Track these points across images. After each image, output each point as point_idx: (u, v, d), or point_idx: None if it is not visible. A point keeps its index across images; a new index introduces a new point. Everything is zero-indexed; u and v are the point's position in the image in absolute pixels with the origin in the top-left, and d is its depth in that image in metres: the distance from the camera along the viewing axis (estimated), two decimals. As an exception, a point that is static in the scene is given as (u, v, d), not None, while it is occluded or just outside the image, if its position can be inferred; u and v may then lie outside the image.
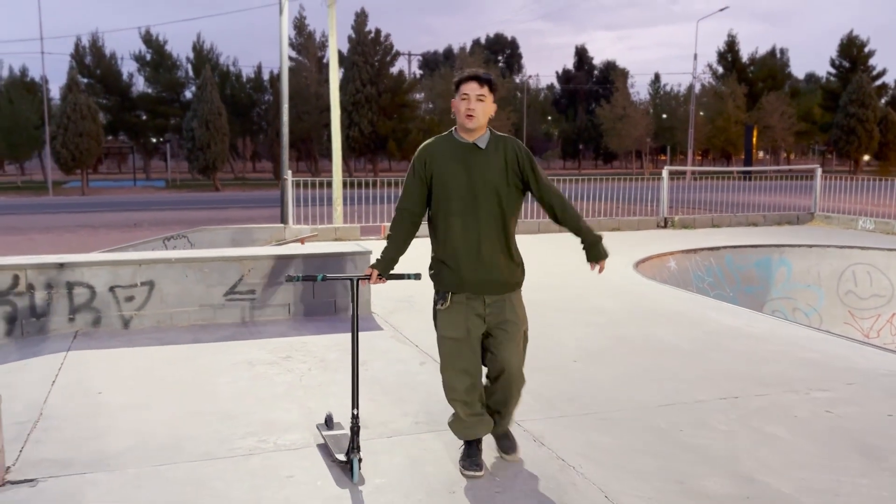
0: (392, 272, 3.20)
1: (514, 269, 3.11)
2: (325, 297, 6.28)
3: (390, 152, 48.30)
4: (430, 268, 3.18)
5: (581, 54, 78.07)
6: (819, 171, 14.21)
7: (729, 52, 64.60)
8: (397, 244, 3.18)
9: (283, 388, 4.42)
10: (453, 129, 3.12)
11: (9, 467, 3.26)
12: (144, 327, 5.83)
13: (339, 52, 47.87)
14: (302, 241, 10.92)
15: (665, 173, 13.30)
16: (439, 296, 3.12)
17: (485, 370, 3.20)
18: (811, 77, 74.37)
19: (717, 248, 10.66)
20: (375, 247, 10.16)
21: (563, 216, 3.13)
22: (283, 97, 14.09)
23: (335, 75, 14.09)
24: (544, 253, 10.04)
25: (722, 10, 45.09)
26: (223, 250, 6.66)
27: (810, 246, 10.94)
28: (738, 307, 7.07)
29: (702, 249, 10.55)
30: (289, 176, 12.01)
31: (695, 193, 15.37)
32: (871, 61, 63.75)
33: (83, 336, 5.59)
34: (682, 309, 6.71)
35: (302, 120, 46.35)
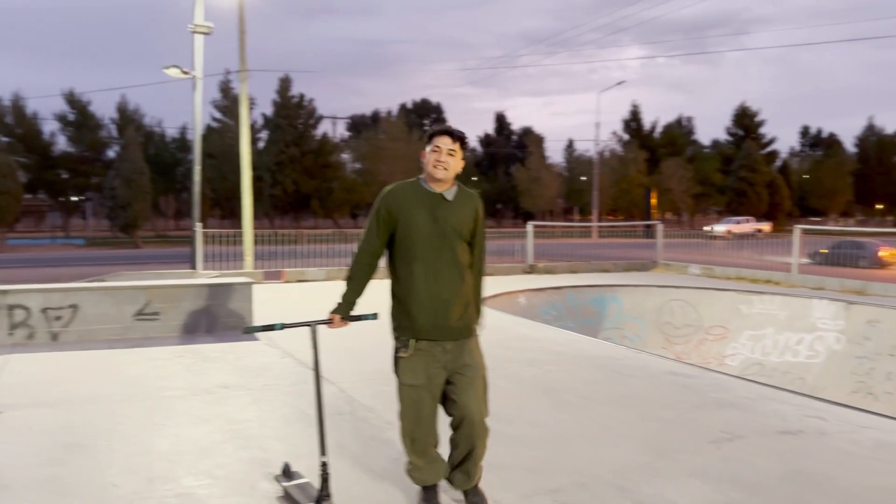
0: (351, 314, 3.22)
1: (472, 315, 3.18)
2: (213, 318, 8.03)
3: (314, 210, 50.09)
4: (391, 314, 3.20)
5: (500, 120, 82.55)
6: (660, 227, 16.89)
7: (633, 121, 69.93)
8: (358, 286, 3.21)
9: (174, 371, 6.17)
10: (420, 177, 3.19)
11: (-22, 408, 4.92)
12: (70, 340, 7.44)
13: (264, 115, 49.81)
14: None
15: (529, 227, 15.67)
16: (401, 343, 3.12)
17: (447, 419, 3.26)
18: (715, 143, 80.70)
19: (561, 288, 12.90)
20: (275, 289, 11.92)
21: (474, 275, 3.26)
22: (196, 161, 15.81)
23: (246, 141, 15.96)
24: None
25: (619, 83, 49.78)
26: (134, 281, 8.35)
27: (637, 286, 13.32)
28: (537, 323, 9.18)
29: (548, 288, 12.76)
30: (198, 227, 13.74)
31: (562, 248, 17.82)
32: (763, 130, 70.33)
33: (20, 346, 7.17)
34: (497, 324, 8.76)
35: (227, 179, 47.77)
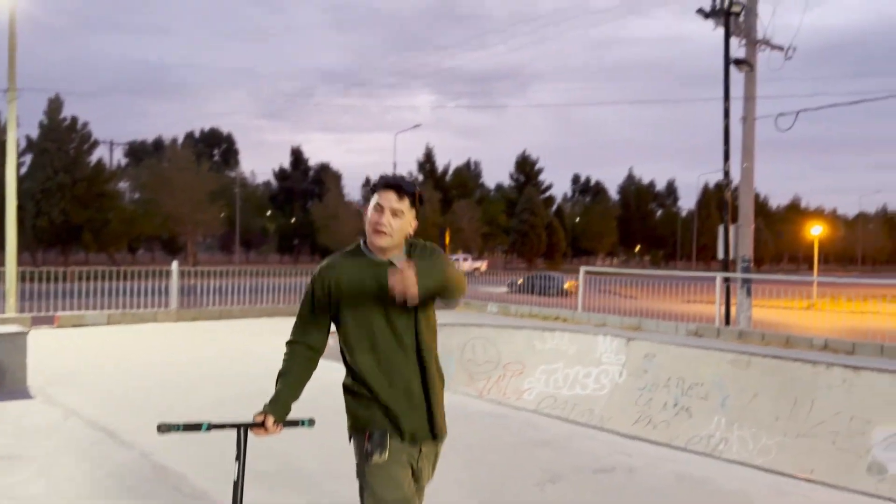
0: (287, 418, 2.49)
1: (443, 406, 2.55)
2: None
3: (86, 244, 45.50)
4: (349, 409, 2.49)
5: (297, 154, 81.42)
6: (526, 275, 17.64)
7: (427, 162, 72.71)
8: (295, 383, 2.49)
9: (-73, 443, 5.15)
10: (362, 240, 2.51)
11: None
12: None
13: (28, 138, 44.67)
14: None
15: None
16: (374, 443, 2.35)
17: None
18: (500, 187, 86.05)
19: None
20: (48, 336, 10.55)
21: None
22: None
23: (12, 167, 14.14)
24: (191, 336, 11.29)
25: (415, 126, 51.44)
26: None
27: (443, 325, 13.64)
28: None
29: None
30: (-48, 265, 11.82)
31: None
32: (542, 176, 76.57)
33: None
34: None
35: (-22, 206, 41.95)
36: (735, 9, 14.08)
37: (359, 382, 2.44)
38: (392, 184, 2.43)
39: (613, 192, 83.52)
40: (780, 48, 15.45)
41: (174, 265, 13.91)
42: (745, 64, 14.39)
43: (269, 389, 2.46)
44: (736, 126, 15.27)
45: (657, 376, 11.39)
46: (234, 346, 10.34)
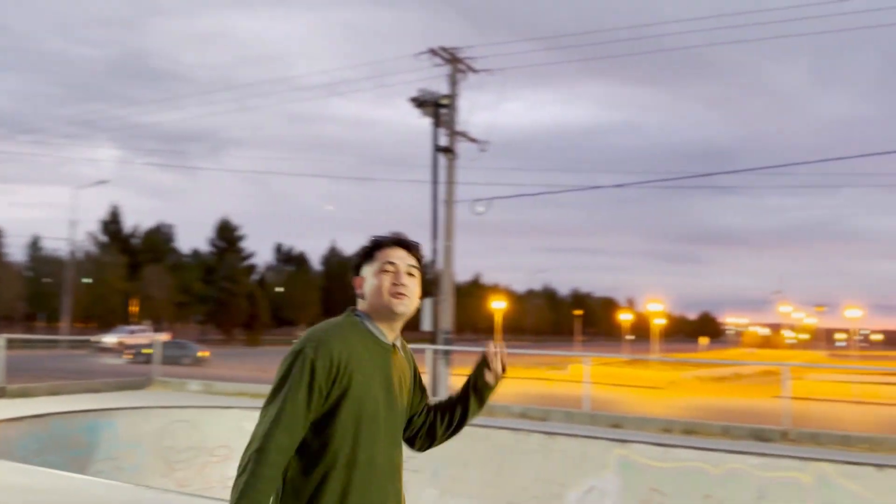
0: None
1: None
2: None
3: None
4: None
5: (-58, 205, 68.51)
6: (160, 340, 16.10)
7: (112, 223, 66.18)
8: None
9: None
10: (355, 313, 2.03)
11: None
12: None
13: None
14: None
15: (2, 341, 13.09)
16: None
17: None
18: (196, 253, 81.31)
19: (44, 415, 10.92)
20: None
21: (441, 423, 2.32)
22: None
23: None
24: None
25: (101, 182, 46.73)
26: None
27: (136, 408, 12.20)
28: (30, 467, 7.58)
29: (27, 417, 10.66)
30: None
31: (42, 362, 15.41)
32: (244, 244, 74.26)
33: None
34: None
35: None
36: (444, 101, 15.48)
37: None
38: (402, 241, 2.04)
39: (317, 262, 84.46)
40: (476, 141, 17.28)
41: None
42: (450, 152, 15.78)
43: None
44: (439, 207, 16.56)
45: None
46: None
